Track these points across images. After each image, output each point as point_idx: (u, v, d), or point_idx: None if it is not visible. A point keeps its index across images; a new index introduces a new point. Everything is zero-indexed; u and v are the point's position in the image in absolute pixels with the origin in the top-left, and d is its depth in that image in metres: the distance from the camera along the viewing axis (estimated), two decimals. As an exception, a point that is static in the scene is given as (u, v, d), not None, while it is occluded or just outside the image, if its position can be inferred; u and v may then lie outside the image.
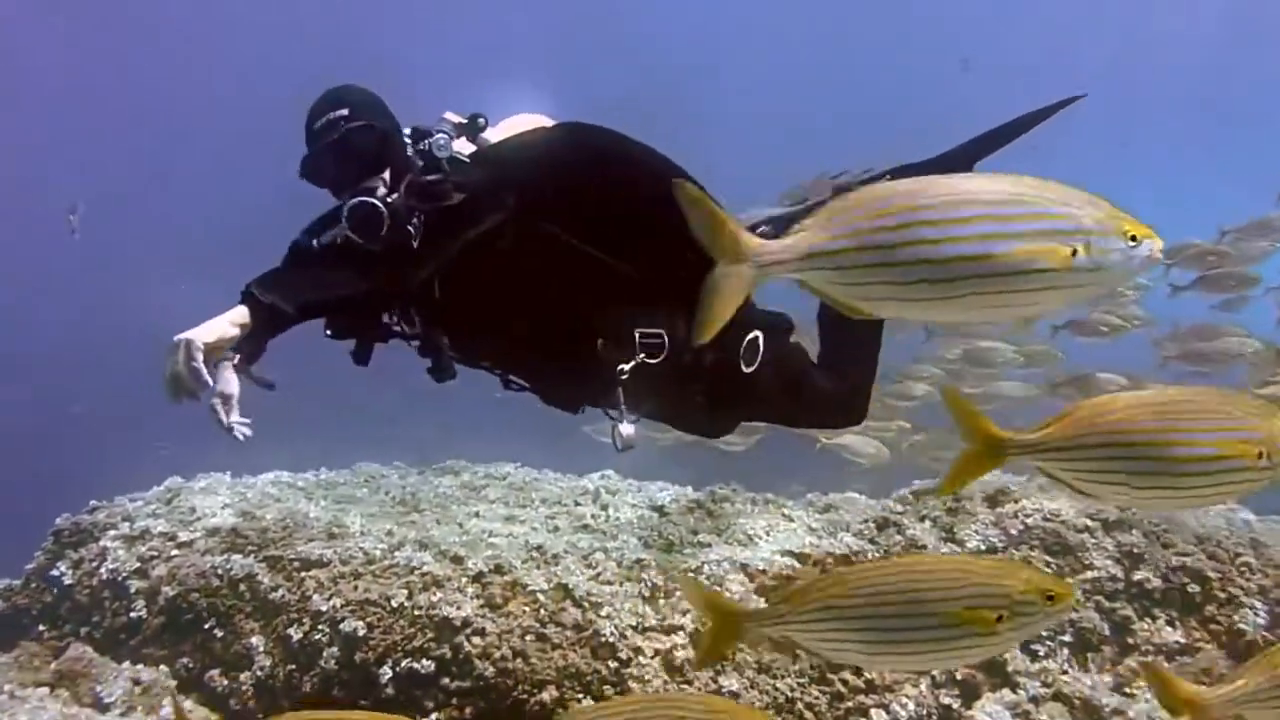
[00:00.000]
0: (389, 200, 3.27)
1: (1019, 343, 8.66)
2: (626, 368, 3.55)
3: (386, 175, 3.35)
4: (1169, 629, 4.80)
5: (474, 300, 3.43)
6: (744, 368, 3.75)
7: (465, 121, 3.51)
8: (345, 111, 3.32)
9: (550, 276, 3.48)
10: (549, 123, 3.75)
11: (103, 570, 5.38)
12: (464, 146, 3.50)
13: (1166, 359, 7.94)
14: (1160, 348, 8.08)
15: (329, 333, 3.49)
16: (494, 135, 3.59)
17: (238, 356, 3.12)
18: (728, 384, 3.77)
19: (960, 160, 4.06)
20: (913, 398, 8.98)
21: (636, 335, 3.57)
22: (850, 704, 4.67)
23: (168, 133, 25.81)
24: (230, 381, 3.11)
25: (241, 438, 3.08)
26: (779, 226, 3.97)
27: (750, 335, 3.74)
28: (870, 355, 4.19)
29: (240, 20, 25.28)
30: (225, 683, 4.88)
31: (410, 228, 3.27)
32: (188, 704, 4.44)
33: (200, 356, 2.86)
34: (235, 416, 3.06)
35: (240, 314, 3.00)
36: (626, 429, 3.64)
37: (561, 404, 3.84)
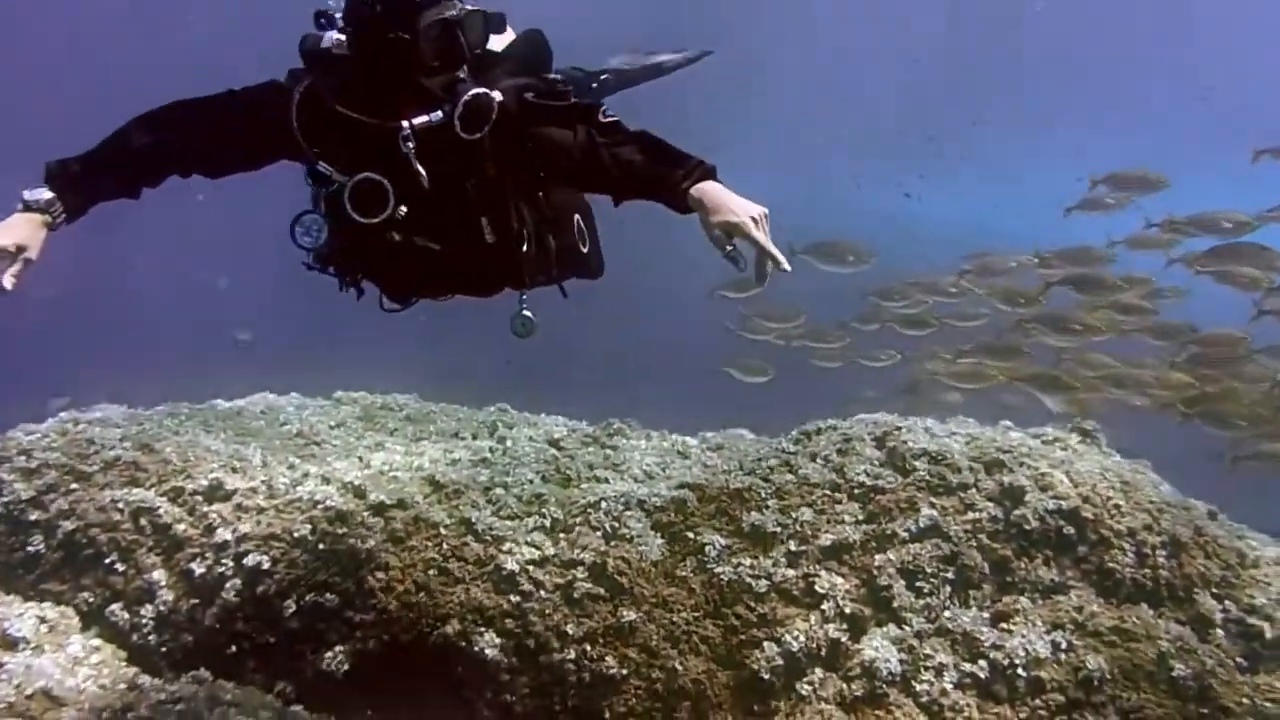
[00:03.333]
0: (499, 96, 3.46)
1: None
2: (526, 251, 3.82)
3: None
4: (1044, 568, 5.05)
5: None
6: (582, 248, 4.13)
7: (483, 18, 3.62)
8: None
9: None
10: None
11: (-3, 504, 5.29)
12: None
13: None
14: None
15: None
16: None
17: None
18: (572, 259, 4.12)
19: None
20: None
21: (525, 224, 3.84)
22: (744, 636, 4.85)
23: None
24: (39, 247, 3.21)
25: (9, 285, 3.12)
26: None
27: (575, 218, 4.12)
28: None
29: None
30: (127, 617, 4.87)
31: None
32: (92, 640, 4.45)
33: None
34: (10, 277, 3.13)
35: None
36: (528, 313, 4.01)
37: (403, 300, 4.03)
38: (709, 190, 3.21)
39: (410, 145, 3.40)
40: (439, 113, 3.40)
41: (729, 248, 3.13)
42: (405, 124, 3.39)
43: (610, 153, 3.43)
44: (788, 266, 3.14)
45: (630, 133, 3.48)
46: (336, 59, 3.51)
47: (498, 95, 3.44)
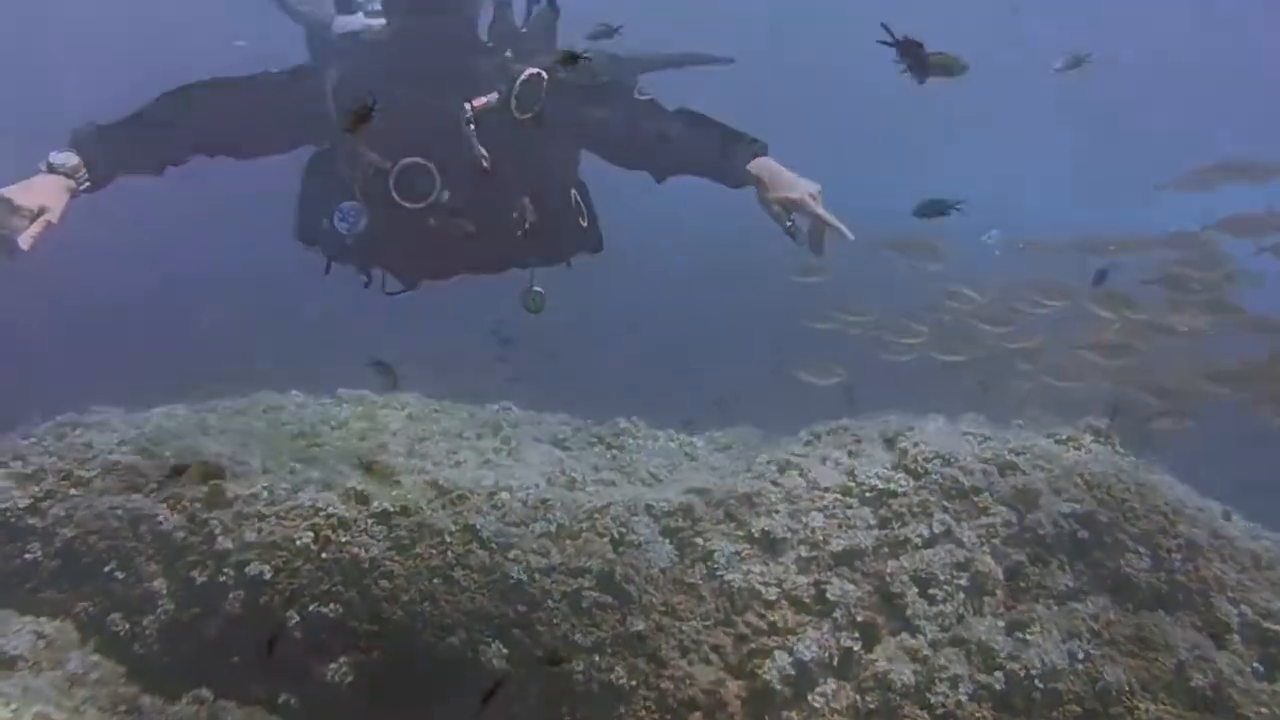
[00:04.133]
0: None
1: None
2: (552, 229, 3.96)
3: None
4: (1059, 574, 4.97)
5: None
6: (581, 222, 4.19)
7: None
8: None
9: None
10: None
11: (-7, 510, 5.18)
12: None
13: None
14: None
15: None
16: None
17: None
18: (574, 233, 4.20)
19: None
20: None
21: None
22: (754, 645, 4.77)
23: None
24: (60, 211, 3.08)
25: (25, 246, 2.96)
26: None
27: (571, 193, 4.16)
28: None
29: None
30: (127, 626, 4.79)
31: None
32: (91, 656, 4.36)
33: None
34: (29, 238, 2.97)
35: None
36: (539, 289, 4.11)
37: (412, 284, 4.15)
38: (766, 167, 3.30)
39: (473, 127, 3.44)
40: (495, 93, 3.47)
41: (788, 223, 3.22)
42: (468, 105, 3.44)
43: (655, 130, 3.52)
44: (851, 235, 3.19)
45: (671, 110, 3.54)
46: (366, 44, 3.49)
47: (544, 75, 3.50)
